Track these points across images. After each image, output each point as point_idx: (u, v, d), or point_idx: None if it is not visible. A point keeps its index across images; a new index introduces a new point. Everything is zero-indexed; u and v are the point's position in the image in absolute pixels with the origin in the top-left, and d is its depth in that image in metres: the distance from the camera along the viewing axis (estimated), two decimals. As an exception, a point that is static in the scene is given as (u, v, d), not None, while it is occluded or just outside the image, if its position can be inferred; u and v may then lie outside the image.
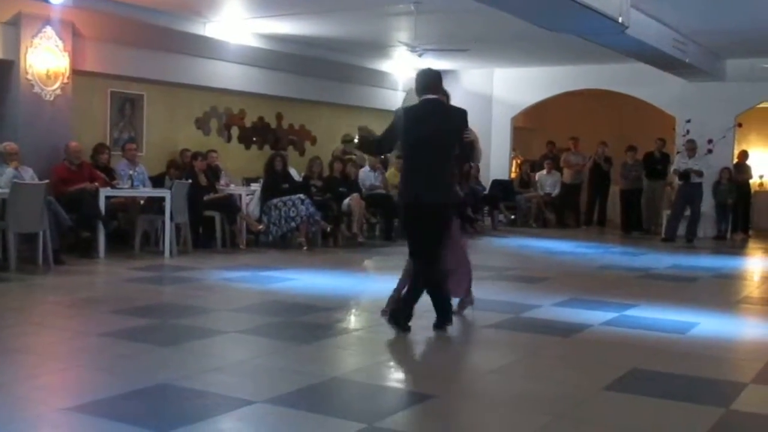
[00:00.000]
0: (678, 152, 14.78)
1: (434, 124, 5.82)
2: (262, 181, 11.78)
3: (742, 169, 15.34)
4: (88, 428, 3.75)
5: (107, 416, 3.85)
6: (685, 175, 14.01)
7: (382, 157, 14.16)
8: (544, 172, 16.95)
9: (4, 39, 9.68)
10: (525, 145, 18.67)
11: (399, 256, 6.74)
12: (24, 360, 4.97)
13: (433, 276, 5.91)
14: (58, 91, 10.10)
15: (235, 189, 11.89)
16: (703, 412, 4.21)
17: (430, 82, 5.91)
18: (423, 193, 5.78)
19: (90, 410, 3.92)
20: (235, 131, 13.53)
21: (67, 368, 4.90)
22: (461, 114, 5.95)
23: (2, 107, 9.99)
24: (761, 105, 15.63)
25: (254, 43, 12.75)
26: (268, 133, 14.10)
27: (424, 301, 6.04)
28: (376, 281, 9.13)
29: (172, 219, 9.97)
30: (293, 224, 11.17)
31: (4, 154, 9.15)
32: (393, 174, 13.06)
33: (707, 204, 14.61)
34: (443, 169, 5.86)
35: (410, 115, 5.93)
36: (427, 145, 5.79)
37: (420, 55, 12.83)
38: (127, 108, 11.67)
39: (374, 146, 6.61)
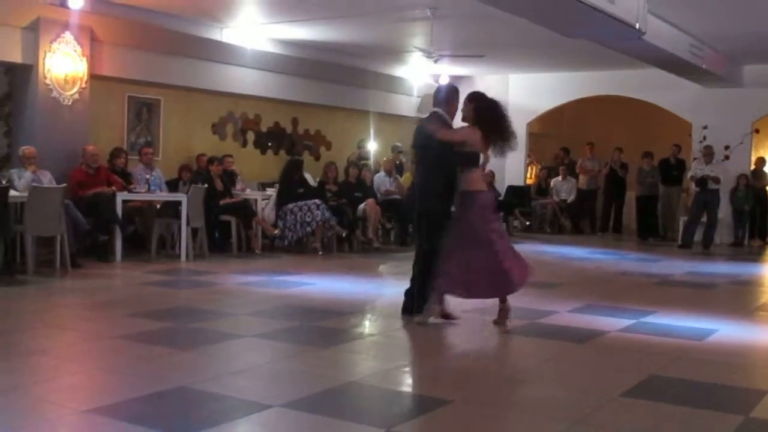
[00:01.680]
0: (694, 158, 14.72)
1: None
2: (277, 185, 11.82)
3: (759, 175, 15.26)
4: (106, 431, 3.76)
5: (125, 419, 3.86)
6: (701, 182, 13.95)
7: (397, 162, 14.19)
8: (560, 178, 16.92)
9: (23, 44, 9.76)
10: (540, 151, 18.63)
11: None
12: (42, 362, 5.00)
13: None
14: (76, 96, 10.17)
15: (250, 194, 11.92)
16: (722, 419, 4.18)
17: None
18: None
19: (108, 413, 3.93)
20: (250, 136, 13.58)
21: (85, 371, 4.92)
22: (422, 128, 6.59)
23: (21, 111, 10.07)
24: (778, 111, 15.54)
25: (270, 48, 12.80)
26: (283, 138, 14.14)
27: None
28: (391, 286, 9.12)
29: (188, 223, 10.01)
30: (308, 229, 11.19)
31: (22, 158, 9.23)
32: (408, 179, 13.07)
33: (724, 210, 14.54)
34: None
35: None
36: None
37: (436, 61, 12.85)
38: (144, 112, 11.73)
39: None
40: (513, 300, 7.73)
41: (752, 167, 15.25)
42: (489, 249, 6.21)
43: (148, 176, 10.46)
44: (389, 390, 4.68)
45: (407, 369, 5.35)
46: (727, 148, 14.64)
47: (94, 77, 10.44)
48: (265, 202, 11.82)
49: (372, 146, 14.89)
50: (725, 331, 6.55)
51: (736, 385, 4.98)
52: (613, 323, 6.66)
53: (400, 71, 15.36)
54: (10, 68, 10.06)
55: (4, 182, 8.68)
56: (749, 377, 5.34)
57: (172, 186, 11.20)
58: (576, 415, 4.16)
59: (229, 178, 11.63)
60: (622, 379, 4.85)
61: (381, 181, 13.25)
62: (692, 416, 4.23)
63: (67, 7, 9.70)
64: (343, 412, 4.15)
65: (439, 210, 6.41)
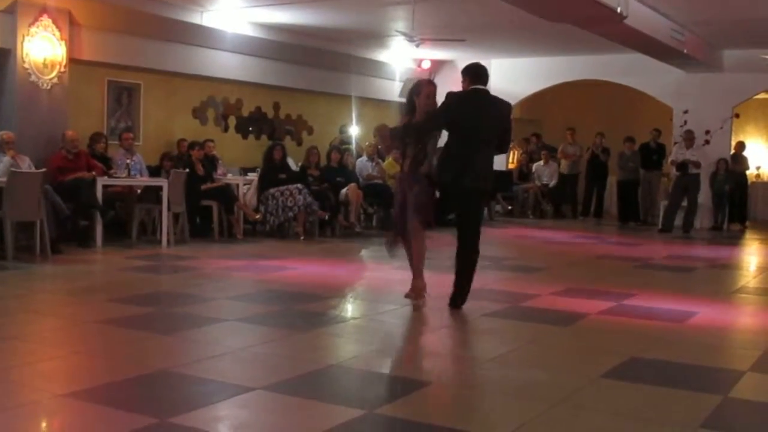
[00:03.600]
0: (675, 143, 14.79)
1: (491, 112, 6.31)
2: (259, 170, 11.78)
3: (739, 159, 15.36)
4: (86, 414, 3.74)
5: (105, 402, 3.84)
6: (682, 166, 14.03)
7: (379, 147, 14.15)
8: (541, 162, 16.95)
9: (1, 27, 9.62)
10: (522, 136, 18.61)
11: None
12: (22, 347, 4.97)
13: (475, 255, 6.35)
14: (55, 80, 10.07)
15: (232, 178, 11.87)
16: (702, 399, 4.22)
17: (484, 73, 6.33)
18: (478, 178, 6.21)
19: (88, 397, 3.92)
20: (232, 121, 13.51)
21: (65, 355, 4.89)
22: (508, 105, 6.50)
23: (-1, 96, 9.97)
24: (758, 96, 15.66)
25: (251, 32, 12.71)
26: (265, 122, 14.08)
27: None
28: (373, 271, 9.15)
29: (169, 208, 9.95)
30: (290, 214, 11.16)
31: (0, 142, 9.12)
32: (390, 164, 13.05)
33: (704, 195, 14.63)
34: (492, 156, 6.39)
35: (467, 101, 6.27)
36: (483, 132, 6.22)
37: (417, 45, 12.80)
38: (124, 97, 11.64)
39: (419, 131, 6.37)
40: (496, 283, 7.77)
41: (732, 151, 15.34)
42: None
43: (128, 161, 10.37)
44: (370, 372, 4.68)
45: (388, 352, 5.36)
46: (707, 132, 14.72)
47: (73, 61, 10.34)
48: (246, 186, 11.78)
49: (354, 131, 14.84)
50: (705, 313, 6.60)
51: (716, 366, 5.02)
52: (594, 306, 6.69)
53: (381, 56, 15.31)
54: (-12, 52, 9.96)
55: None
56: (728, 358, 5.39)
57: (154, 173, 11.12)
58: (557, 396, 4.18)
59: (211, 163, 11.56)
60: (603, 361, 4.87)
61: (363, 165, 13.23)
62: (672, 397, 4.25)
63: (45, -10, 9.60)
64: (324, 394, 4.15)
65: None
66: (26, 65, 9.76)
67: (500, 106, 6.42)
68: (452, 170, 6.18)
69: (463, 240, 6.29)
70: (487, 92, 6.34)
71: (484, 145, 6.27)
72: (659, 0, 10.65)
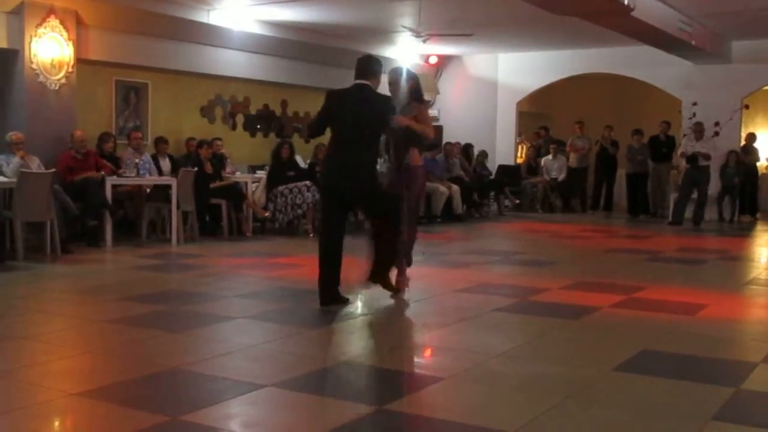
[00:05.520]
0: (684, 135, 14.72)
1: (359, 108, 6.15)
2: (267, 168, 11.79)
3: (749, 151, 15.27)
4: (98, 413, 3.75)
5: (117, 401, 3.85)
6: (692, 159, 13.96)
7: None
8: (550, 156, 16.90)
9: (9, 28, 9.67)
10: (530, 130, 18.59)
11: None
12: (33, 347, 4.98)
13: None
14: (63, 80, 10.09)
15: (240, 176, 11.89)
16: (714, 391, 4.20)
17: (364, 66, 6.34)
18: (340, 176, 6.12)
19: (99, 395, 3.92)
20: (240, 119, 13.53)
21: (77, 354, 4.90)
22: (385, 100, 6.28)
23: (7, 97, 9.99)
24: (768, 87, 15.57)
25: (258, 30, 12.72)
26: (273, 120, 14.09)
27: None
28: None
29: (178, 207, 9.98)
30: (299, 211, 11.17)
31: (10, 143, 9.17)
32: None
33: (714, 187, 14.57)
34: (361, 153, 6.08)
35: (340, 97, 6.32)
36: (352, 127, 6.11)
37: (424, 41, 12.79)
38: (132, 96, 11.67)
39: (310, 130, 6.88)
40: (505, 277, 7.76)
41: (742, 143, 15.26)
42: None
43: (137, 160, 10.40)
44: (380, 368, 4.68)
45: (398, 348, 5.35)
46: (717, 124, 14.64)
47: (80, 61, 10.37)
48: (255, 184, 11.79)
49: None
50: (716, 305, 6.58)
51: (727, 358, 5.01)
52: (604, 299, 6.67)
53: (388, 52, 15.28)
54: (-4, 53, 9.99)
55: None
56: (739, 350, 5.37)
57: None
58: (569, 389, 4.17)
59: (219, 161, 11.58)
60: (615, 354, 4.86)
61: (371, 162, 13.18)
62: (684, 389, 4.24)
63: (52, -9, 9.62)
64: (335, 390, 4.15)
65: None
66: (34, 66, 9.79)
67: (379, 102, 6.25)
68: (329, 169, 6.24)
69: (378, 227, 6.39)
70: (366, 87, 6.20)
71: (359, 143, 6.08)
72: (667, -9, 10.62)
